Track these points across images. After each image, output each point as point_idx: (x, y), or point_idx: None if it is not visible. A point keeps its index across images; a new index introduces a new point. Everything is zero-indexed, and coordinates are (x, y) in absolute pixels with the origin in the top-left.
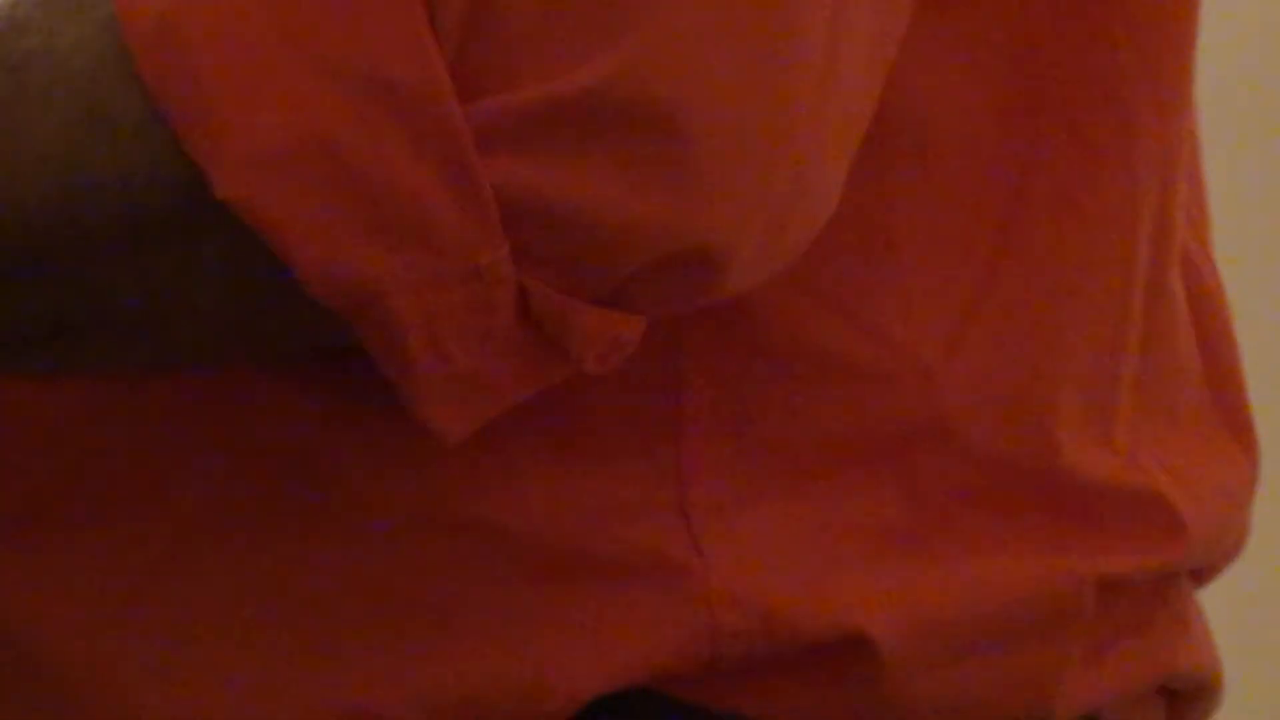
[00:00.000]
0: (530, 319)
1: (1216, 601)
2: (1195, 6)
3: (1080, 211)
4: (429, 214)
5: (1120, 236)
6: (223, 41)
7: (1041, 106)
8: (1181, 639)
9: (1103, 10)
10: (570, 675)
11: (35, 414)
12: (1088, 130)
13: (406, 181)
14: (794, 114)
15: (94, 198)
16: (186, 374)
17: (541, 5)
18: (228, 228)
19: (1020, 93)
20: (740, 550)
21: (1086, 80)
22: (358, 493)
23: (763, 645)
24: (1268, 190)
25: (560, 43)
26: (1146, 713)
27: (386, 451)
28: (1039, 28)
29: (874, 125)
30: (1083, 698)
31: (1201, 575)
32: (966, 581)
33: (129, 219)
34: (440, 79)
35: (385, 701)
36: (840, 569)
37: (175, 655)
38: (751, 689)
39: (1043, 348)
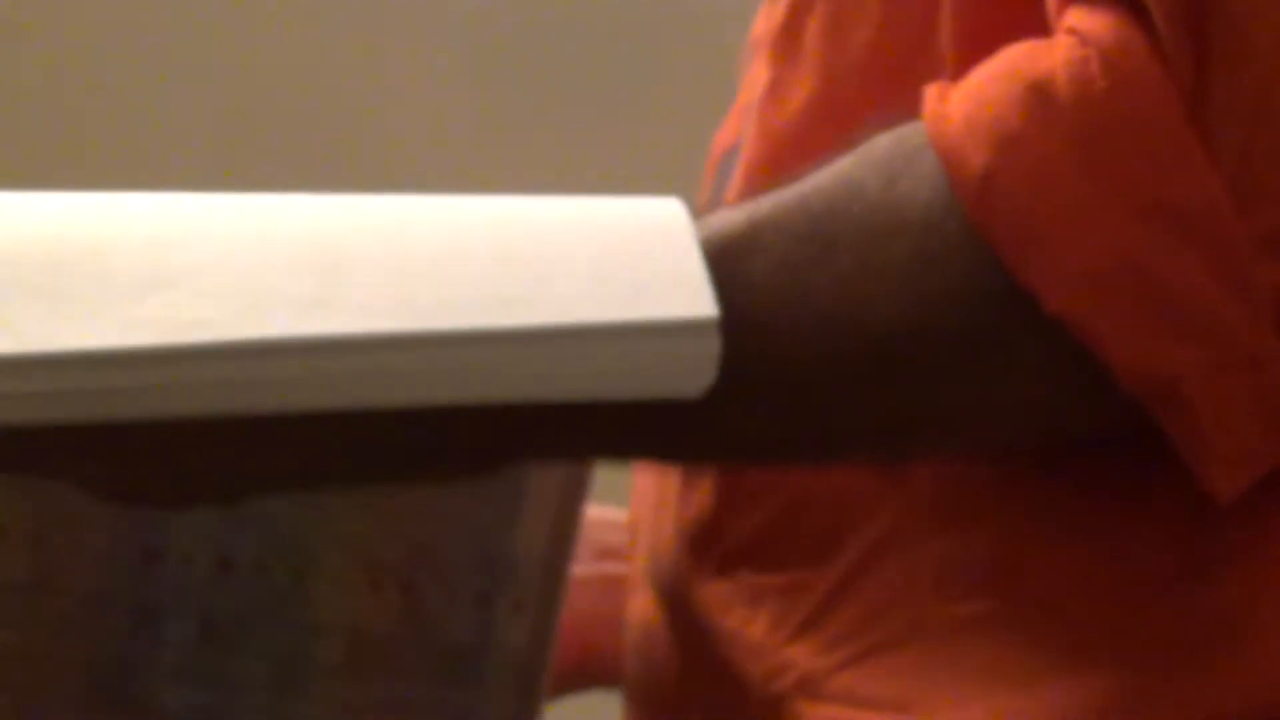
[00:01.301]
0: None
1: None
2: None
3: None
4: (1216, 314)
5: None
6: (1042, 186)
7: None
8: None
9: None
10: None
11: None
12: None
13: (1197, 288)
14: None
15: (932, 318)
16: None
17: None
18: (1047, 337)
19: None
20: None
21: None
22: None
23: None
24: None
25: None
26: None
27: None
28: None
29: None
30: None
31: None
32: None
33: (961, 333)
34: (1222, 203)
35: None
36: None
37: None
38: None
39: None
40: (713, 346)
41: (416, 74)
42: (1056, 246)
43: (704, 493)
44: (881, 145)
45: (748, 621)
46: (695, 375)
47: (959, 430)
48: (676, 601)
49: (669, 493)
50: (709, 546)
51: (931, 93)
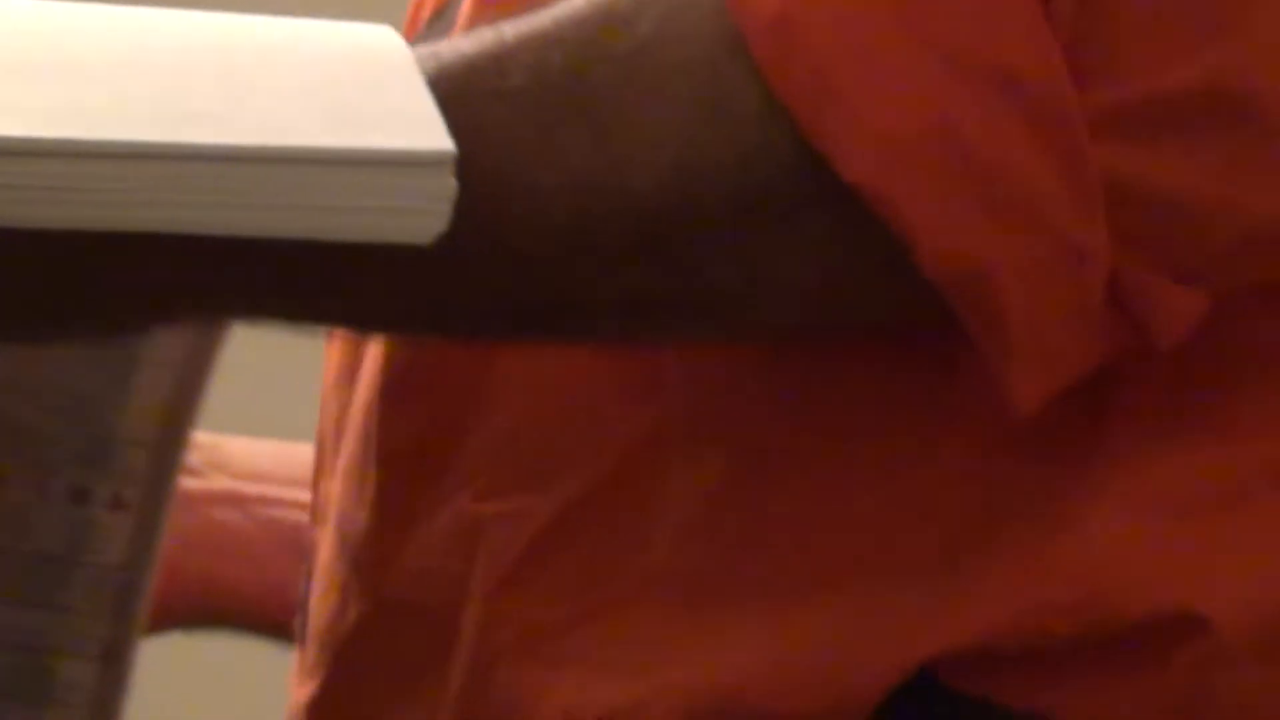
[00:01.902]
0: (1116, 299)
1: None
2: None
3: None
4: (1041, 198)
5: None
6: (845, 33)
7: None
8: None
9: None
10: (893, 641)
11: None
12: None
13: (1023, 167)
14: None
15: (709, 180)
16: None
17: (1150, 2)
18: (837, 208)
19: None
20: (1098, 513)
21: None
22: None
23: (1089, 624)
24: None
25: (1167, 39)
26: None
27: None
28: None
29: None
30: None
31: None
32: None
33: (739, 200)
34: (1059, 69)
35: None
36: (1197, 526)
37: None
38: (1065, 678)
39: None
40: (448, 186)
41: None
42: (858, 104)
43: (416, 408)
44: None
45: (466, 559)
46: (426, 218)
47: (723, 312)
48: (373, 537)
49: (368, 405)
50: (423, 470)
51: None
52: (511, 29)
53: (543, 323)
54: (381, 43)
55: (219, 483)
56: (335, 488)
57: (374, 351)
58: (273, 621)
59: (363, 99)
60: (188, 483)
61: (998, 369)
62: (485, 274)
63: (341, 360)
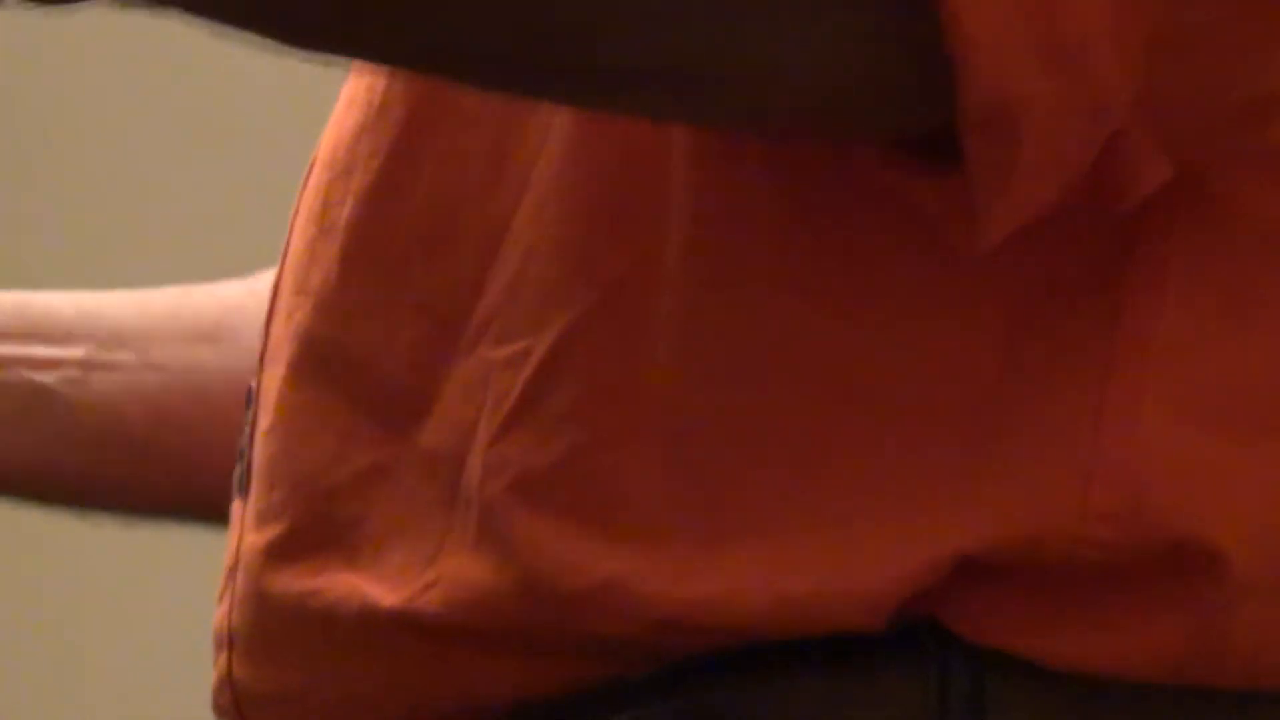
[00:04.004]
0: (1114, 157)
1: None
2: None
3: None
4: (1091, 50)
5: None
6: None
7: None
8: None
9: None
10: (921, 535)
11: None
12: None
13: (1084, 13)
14: None
15: None
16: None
17: None
18: (903, 8)
19: None
20: (1139, 420)
21: None
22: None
23: (1123, 535)
24: None
25: None
26: None
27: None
28: None
29: None
30: None
31: None
32: None
33: None
34: None
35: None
36: (1226, 457)
37: None
38: (1068, 616)
39: None
40: None
41: None
42: None
43: (449, 257)
44: None
45: (477, 408)
46: None
47: (749, 84)
48: (403, 386)
49: (401, 250)
50: (454, 319)
51: None
52: None
53: (477, 57)
54: None
55: None
56: (326, 324)
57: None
58: (7, 486)
59: None
60: None
61: (981, 202)
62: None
63: (315, 207)
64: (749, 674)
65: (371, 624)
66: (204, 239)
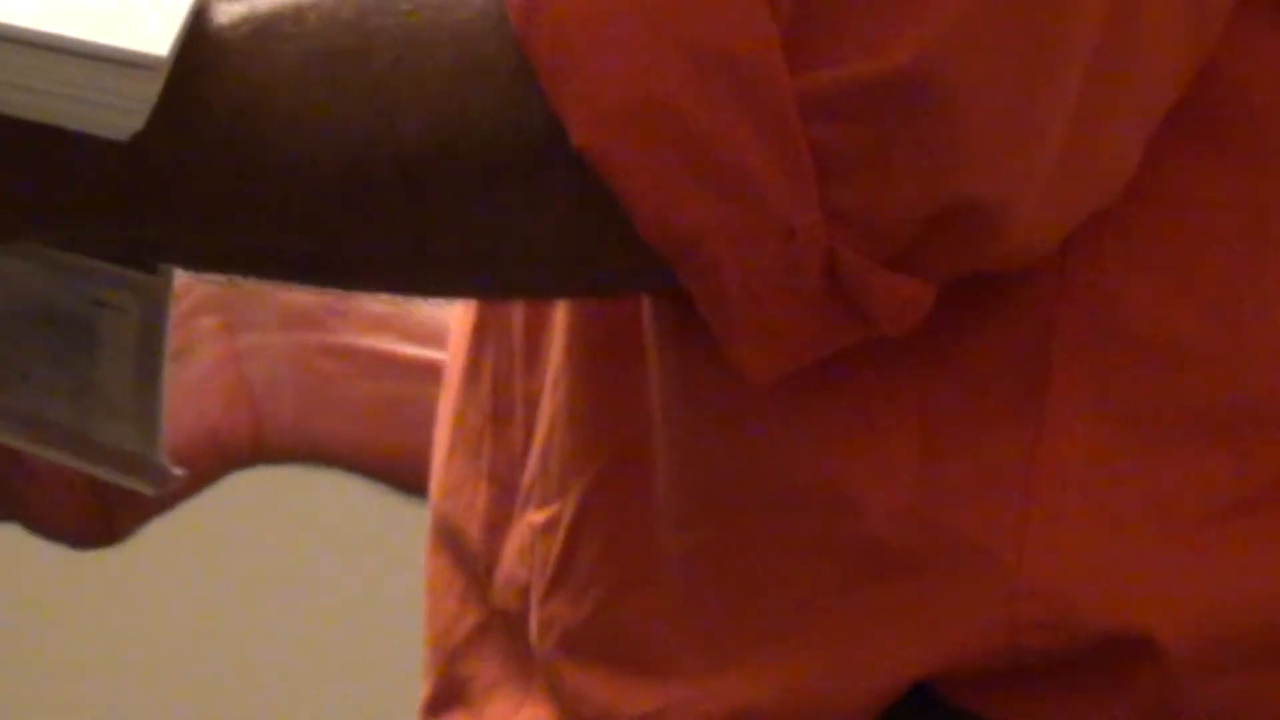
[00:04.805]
0: (835, 280)
1: None
2: None
3: None
4: (753, 173)
5: None
6: (591, 10)
7: None
8: None
9: None
10: (876, 667)
11: None
12: None
13: (737, 143)
14: (1055, 101)
15: (466, 133)
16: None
17: None
18: (578, 173)
19: None
20: (1061, 532)
21: None
22: (729, 465)
23: (1058, 640)
24: None
25: (874, 26)
26: None
27: (762, 422)
28: None
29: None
30: None
31: None
32: (1273, 578)
33: (494, 155)
34: (774, 54)
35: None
36: (1149, 552)
37: None
38: (1034, 695)
39: None
40: (148, 90)
41: None
42: (591, 75)
43: (511, 430)
44: None
45: (529, 568)
46: (124, 116)
47: (486, 263)
48: (482, 549)
49: (477, 426)
50: (512, 486)
51: None
52: None
53: (319, 261)
54: None
55: (335, 336)
56: (442, 499)
57: (486, 367)
58: (368, 473)
59: (112, 5)
60: (301, 335)
61: (724, 339)
62: (264, 212)
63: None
64: None
65: None
66: None
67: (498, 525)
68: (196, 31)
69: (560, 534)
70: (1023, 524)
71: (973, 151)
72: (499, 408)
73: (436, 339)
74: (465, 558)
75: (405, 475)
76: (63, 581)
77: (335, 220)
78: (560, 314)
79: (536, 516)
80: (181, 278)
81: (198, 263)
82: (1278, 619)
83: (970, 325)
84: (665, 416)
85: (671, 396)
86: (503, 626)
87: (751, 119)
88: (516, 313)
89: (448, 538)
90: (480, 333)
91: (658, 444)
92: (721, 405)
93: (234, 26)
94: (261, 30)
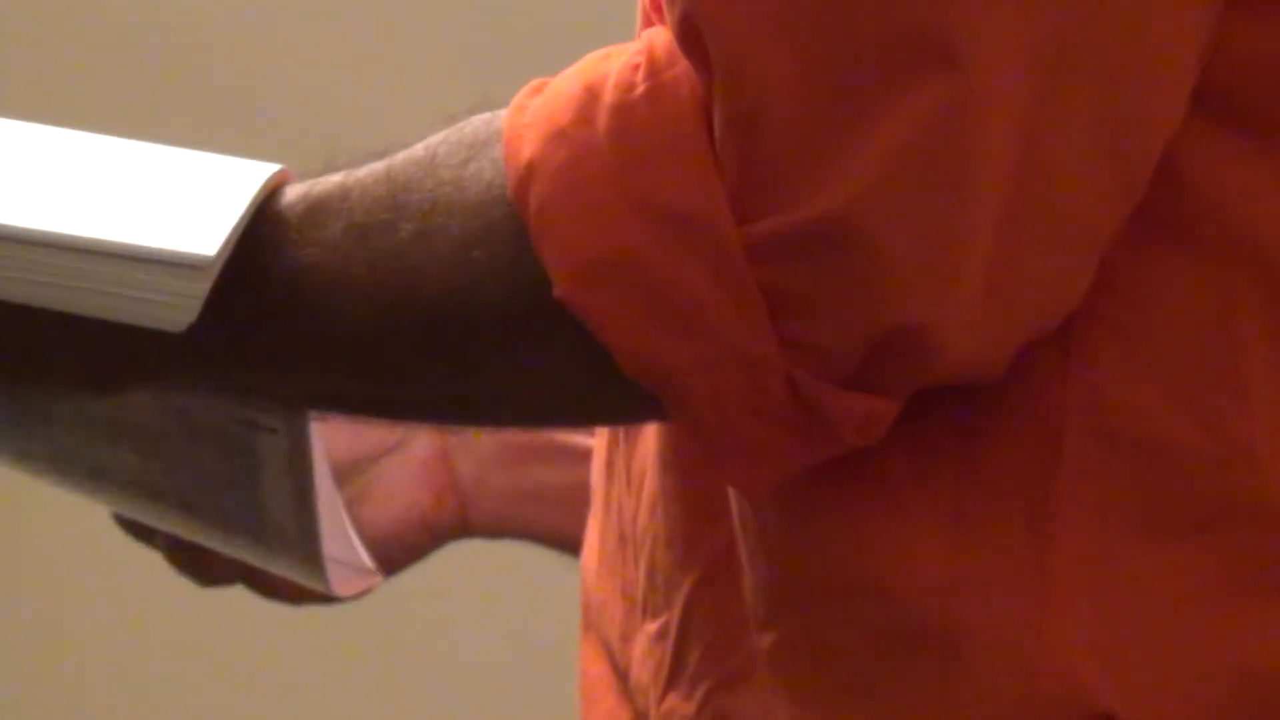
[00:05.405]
0: (800, 400)
1: None
2: None
3: None
4: (710, 312)
5: None
6: (570, 179)
7: None
8: None
9: None
10: None
11: None
12: None
13: (695, 287)
14: (969, 239)
15: (478, 291)
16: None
17: (792, 144)
18: (575, 324)
19: None
20: (1073, 619)
21: None
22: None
23: (1072, 718)
24: None
25: (805, 179)
26: None
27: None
28: None
29: (1214, 235)
30: None
31: None
32: (1263, 657)
33: (503, 307)
34: (722, 208)
35: None
36: (1146, 638)
37: None
38: None
39: None
40: (197, 287)
41: (415, 72)
42: (567, 235)
43: (632, 551)
44: (472, 125)
45: (653, 673)
46: (174, 310)
47: (514, 406)
48: (623, 656)
49: (607, 549)
50: (635, 599)
51: (529, 85)
52: (366, 166)
53: (372, 405)
54: (250, 172)
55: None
56: (596, 614)
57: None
58: (570, 552)
59: (183, 208)
60: (513, 436)
61: (712, 458)
62: (322, 362)
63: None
64: None
65: None
66: None
67: (629, 636)
68: (262, 211)
69: (670, 640)
70: (1039, 620)
71: (897, 283)
72: (621, 533)
73: None
74: (615, 665)
75: None
76: (64, 581)
77: (381, 369)
78: (643, 449)
79: (650, 626)
80: None
81: (288, 404)
82: (1264, 694)
83: (989, 427)
84: (743, 527)
85: (744, 508)
86: None
87: (706, 266)
88: (629, 446)
89: (602, 644)
90: (609, 467)
91: (740, 553)
92: (779, 511)
93: (291, 206)
94: (314, 208)
